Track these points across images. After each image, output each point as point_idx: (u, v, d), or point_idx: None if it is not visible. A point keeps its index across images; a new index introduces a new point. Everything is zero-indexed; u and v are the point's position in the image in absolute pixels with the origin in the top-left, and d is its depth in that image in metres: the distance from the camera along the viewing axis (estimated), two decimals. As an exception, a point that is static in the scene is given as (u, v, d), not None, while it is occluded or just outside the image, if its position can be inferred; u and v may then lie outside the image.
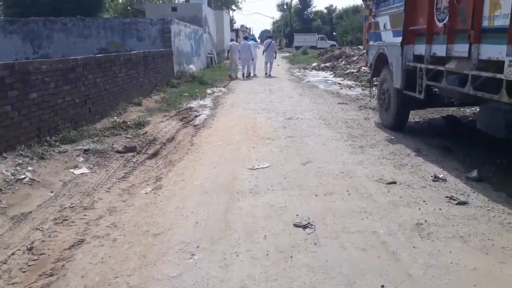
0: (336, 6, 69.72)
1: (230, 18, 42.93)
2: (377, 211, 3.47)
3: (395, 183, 4.14)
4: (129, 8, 25.42)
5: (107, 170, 4.78)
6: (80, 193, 4.06)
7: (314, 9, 72.76)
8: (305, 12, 71.81)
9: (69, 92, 6.23)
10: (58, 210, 3.64)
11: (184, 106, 9.59)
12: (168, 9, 20.41)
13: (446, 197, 3.72)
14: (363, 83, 13.58)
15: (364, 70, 16.75)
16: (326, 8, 69.90)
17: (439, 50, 4.88)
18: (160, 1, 27.58)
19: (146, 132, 6.74)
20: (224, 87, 13.98)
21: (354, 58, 20.46)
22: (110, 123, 7.00)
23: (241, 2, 49.43)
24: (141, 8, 22.96)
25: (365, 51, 22.26)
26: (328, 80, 15.75)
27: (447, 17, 4.64)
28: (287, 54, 38.20)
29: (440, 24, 4.85)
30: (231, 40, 19.51)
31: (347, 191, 3.93)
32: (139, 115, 8.15)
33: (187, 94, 11.30)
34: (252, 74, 17.10)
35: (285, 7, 74.00)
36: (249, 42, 17.26)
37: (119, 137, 6.23)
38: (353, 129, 6.70)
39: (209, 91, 12.78)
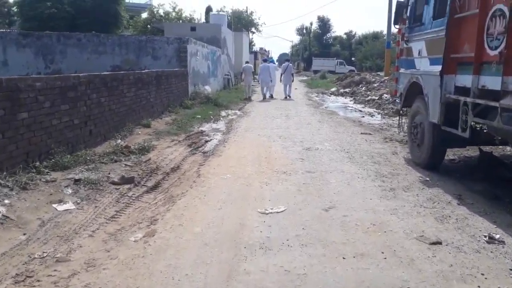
0: (355, 32, 69.39)
1: (250, 40, 43.01)
2: (424, 287, 2.68)
3: (440, 243, 3.34)
4: (148, 26, 25.47)
5: (96, 206, 4.12)
6: (58, 237, 3.39)
7: (333, 34, 72.86)
8: (324, 37, 71.87)
9: (67, 112, 5.68)
10: (24, 262, 2.96)
11: (195, 130, 9.00)
12: (187, 29, 20.21)
13: (511, 269, 2.91)
14: (385, 112, 12.84)
15: (386, 97, 16.06)
16: (345, 33, 69.89)
17: (491, 82, 4.14)
18: (180, 21, 27.62)
19: (150, 159, 6.10)
20: (239, 109, 13.42)
21: (375, 85, 19.79)
22: (111, 147, 6.41)
23: (261, 25, 49.50)
24: (160, 27, 22.88)
25: (386, 78, 21.56)
26: (348, 106, 15.06)
27: (503, 44, 3.93)
28: (305, 78, 37.84)
29: (492, 53, 4.13)
30: (246, 62, 19.20)
31: (382, 253, 3.15)
32: (145, 138, 7.56)
33: (199, 117, 10.74)
34: (268, 96, 17.30)
35: (304, 31, 74.36)
36: (269, 65, 17.79)
37: (118, 165, 5.61)
38: (380, 166, 5.93)
39: (223, 113, 12.23)
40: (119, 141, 7.07)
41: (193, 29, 20.48)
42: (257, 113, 12.62)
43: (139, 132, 8.07)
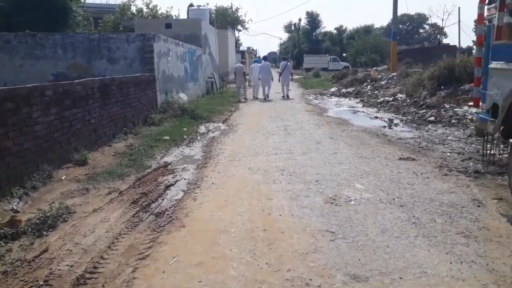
0: (346, 27, 66.31)
1: (236, 39, 40.02)
2: None
3: None
4: (120, 26, 22.41)
5: None
6: None
7: (323, 30, 70.05)
8: (314, 33, 69.06)
9: None
10: None
11: (154, 163, 6.11)
12: (161, 26, 17.27)
13: None
14: (409, 118, 10.08)
15: (401, 98, 13.28)
16: (336, 28, 66.93)
17: None
18: (156, 18, 24.54)
19: (46, 250, 3.23)
20: (223, 122, 10.59)
21: (383, 83, 17.11)
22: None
23: (248, 22, 46.44)
24: (130, 25, 19.87)
25: (394, 74, 18.73)
26: (358, 111, 12.30)
27: None
28: (297, 77, 35.00)
29: None
30: (242, 62, 16.93)
31: None
32: (66, 190, 4.69)
33: (168, 138, 7.86)
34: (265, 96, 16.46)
35: (293, 28, 71.47)
36: (267, 63, 17.24)
37: (-40, 282, 2.72)
38: (480, 244, 3.12)
39: (202, 129, 9.42)
40: (15, 202, 4.21)
41: (168, 25, 17.55)
42: (246, 126, 9.79)
43: (64, 177, 5.19)
